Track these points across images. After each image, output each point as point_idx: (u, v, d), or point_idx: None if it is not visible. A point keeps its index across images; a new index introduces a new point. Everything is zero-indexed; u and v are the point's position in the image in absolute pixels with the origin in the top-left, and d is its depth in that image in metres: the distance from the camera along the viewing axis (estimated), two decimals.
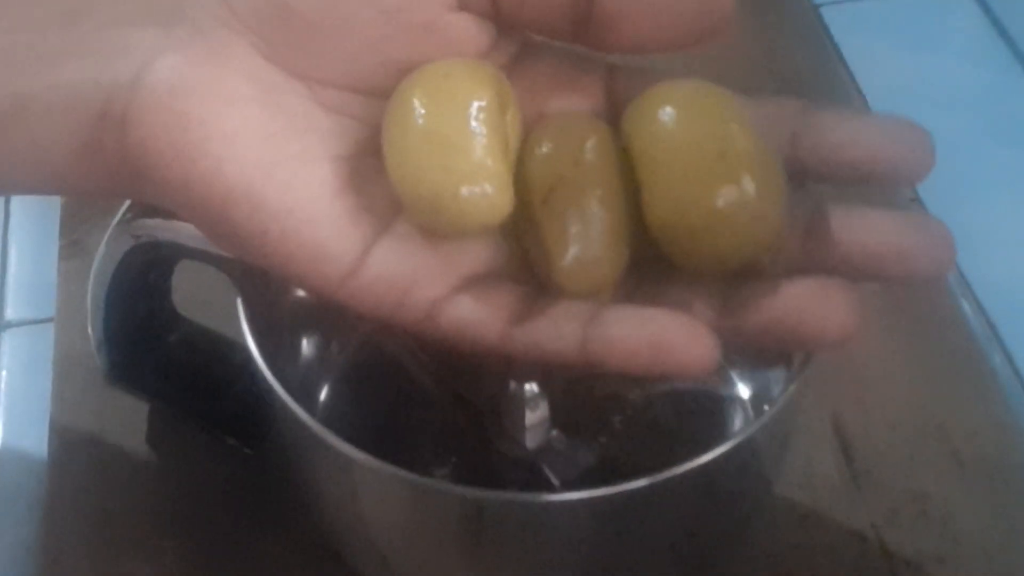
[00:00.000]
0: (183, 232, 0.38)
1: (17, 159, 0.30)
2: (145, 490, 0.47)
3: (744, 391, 0.44)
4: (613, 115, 0.30)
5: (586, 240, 0.28)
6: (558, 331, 0.27)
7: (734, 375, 0.44)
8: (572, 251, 0.28)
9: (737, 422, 0.44)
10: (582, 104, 0.30)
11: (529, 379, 0.38)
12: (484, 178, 0.27)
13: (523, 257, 0.29)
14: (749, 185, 0.26)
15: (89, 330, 0.44)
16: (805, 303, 0.26)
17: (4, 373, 0.54)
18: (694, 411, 0.44)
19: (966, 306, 0.53)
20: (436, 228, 0.28)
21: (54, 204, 0.58)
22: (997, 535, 0.45)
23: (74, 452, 0.48)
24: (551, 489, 0.38)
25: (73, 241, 0.56)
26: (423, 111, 0.27)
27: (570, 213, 0.28)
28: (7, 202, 0.61)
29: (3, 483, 0.50)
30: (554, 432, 0.39)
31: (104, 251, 0.40)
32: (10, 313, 0.56)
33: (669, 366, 0.26)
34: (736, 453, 0.32)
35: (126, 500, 0.47)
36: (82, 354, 0.47)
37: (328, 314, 0.45)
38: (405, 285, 0.28)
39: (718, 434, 0.44)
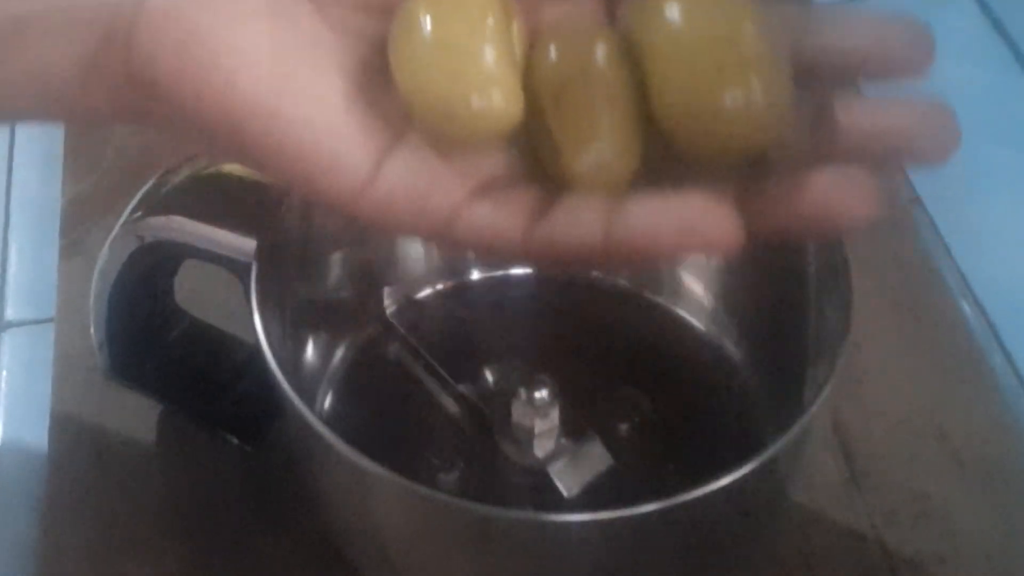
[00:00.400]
0: (189, 232, 0.38)
1: (19, 81, 0.29)
2: (145, 490, 0.47)
3: (755, 403, 0.44)
4: (615, 21, 0.30)
5: (600, 137, 0.28)
6: (580, 222, 0.27)
7: (749, 385, 0.45)
8: (587, 148, 0.28)
9: (746, 434, 0.44)
10: (580, 12, 0.30)
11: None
12: (495, 86, 0.27)
13: (535, 162, 0.29)
14: (758, 73, 0.26)
15: (91, 329, 0.44)
16: (832, 189, 0.26)
17: (4, 373, 0.54)
18: (704, 421, 0.44)
19: (966, 306, 0.53)
20: (447, 138, 0.28)
21: (54, 204, 0.58)
22: (997, 535, 0.45)
23: (74, 452, 0.48)
24: (559, 497, 0.38)
25: (73, 241, 0.56)
26: (432, 22, 0.27)
27: (583, 112, 0.28)
28: (7, 202, 0.61)
29: (3, 483, 0.50)
30: (563, 440, 0.39)
31: (108, 251, 0.40)
32: (10, 313, 0.56)
33: (696, 246, 0.26)
34: (750, 476, 0.32)
35: (126, 500, 0.47)
36: (82, 354, 0.47)
37: (336, 315, 0.45)
38: (423, 194, 0.28)
39: (728, 446, 0.43)
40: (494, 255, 0.28)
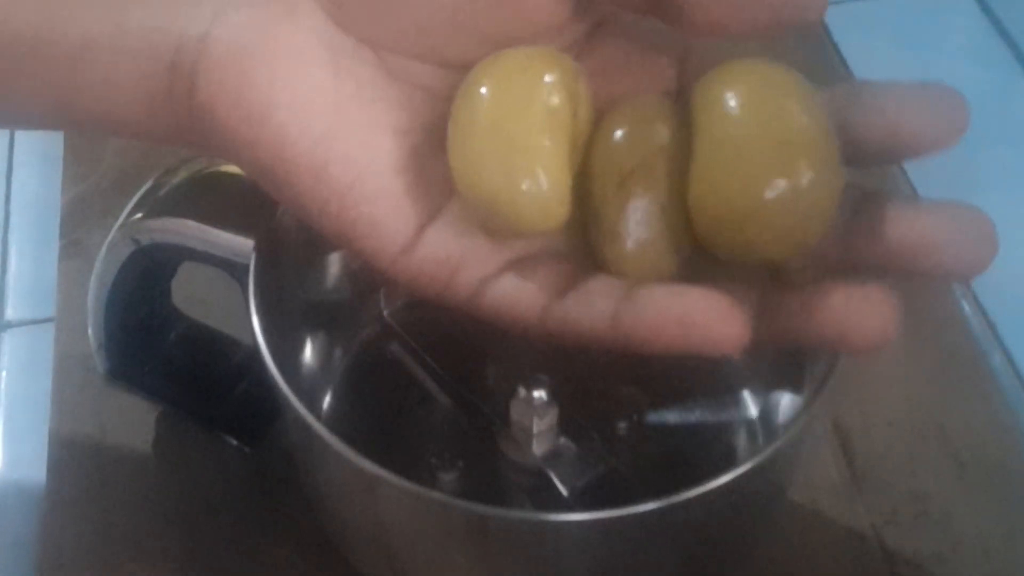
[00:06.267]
0: (186, 234, 0.38)
1: (86, 101, 0.30)
2: (145, 490, 0.47)
3: (753, 401, 0.44)
4: (685, 96, 0.29)
5: (655, 227, 0.27)
6: (591, 306, 0.27)
7: (745, 384, 0.45)
8: (639, 236, 0.27)
9: (745, 432, 0.44)
10: (653, 85, 0.29)
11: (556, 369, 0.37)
12: (544, 186, 0.26)
13: (576, 239, 0.29)
14: (806, 179, 0.25)
15: (89, 331, 0.44)
16: (851, 311, 0.25)
17: (4, 373, 0.54)
18: (703, 420, 0.44)
19: (966, 306, 0.53)
20: (489, 227, 0.28)
21: (54, 204, 0.58)
22: (997, 535, 0.45)
23: (74, 452, 0.48)
24: (558, 496, 0.38)
25: (73, 241, 0.56)
26: (494, 105, 0.27)
27: (645, 199, 0.27)
28: (7, 202, 0.61)
29: (3, 483, 0.50)
30: (562, 439, 0.39)
31: (105, 254, 0.40)
32: (10, 313, 0.56)
33: (697, 342, 0.25)
34: (749, 474, 0.32)
35: (126, 500, 0.47)
36: (82, 354, 0.47)
37: (335, 316, 0.45)
38: (455, 265, 0.28)
39: (727, 445, 0.44)
40: (513, 329, 0.28)
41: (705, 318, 0.25)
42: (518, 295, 0.28)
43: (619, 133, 0.28)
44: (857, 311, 0.25)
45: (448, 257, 0.28)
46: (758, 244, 0.26)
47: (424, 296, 0.29)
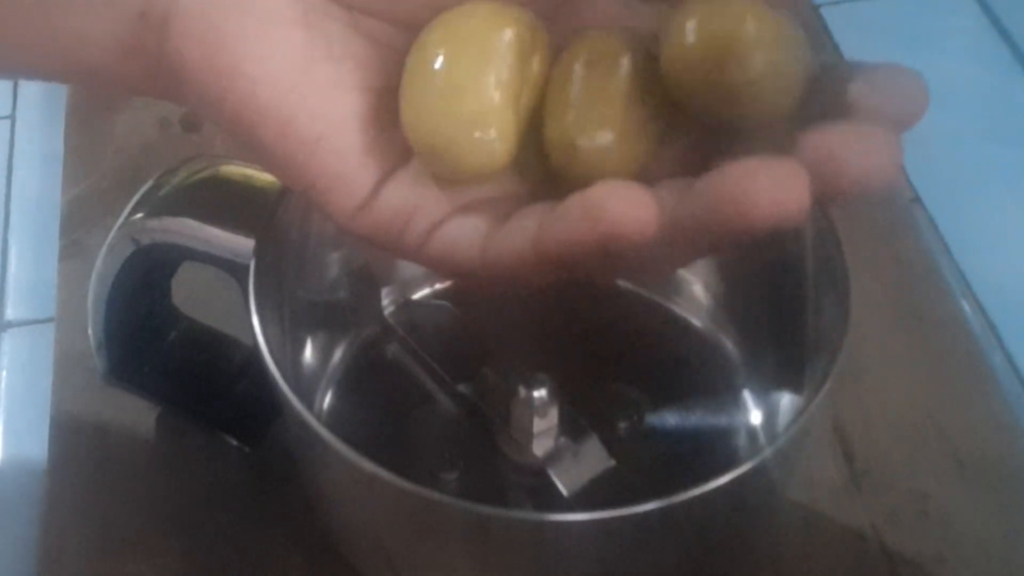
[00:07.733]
0: (186, 234, 0.38)
1: (57, 48, 0.30)
2: (145, 490, 0.47)
3: (753, 401, 0.44)
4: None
5: (610, 128, 0.27)
6: (521, 231, 0.27)
7: (748, 384, 0.45)
8: (596, 135, 0.27)
9: (744, 432, 0.44)
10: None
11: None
12: (489, 127, 0.27)
13: (532, 183, 0.29)
14: (777, 45, 0.26)
15: (89, 331, 0.44)
16: (849, 142, 0.24)
17: (4, 373, 0.54)
18: (703, 420, 0.44)
19: (966, 306, 0.53)
20: (437, 172, 0.28)
21: (54, 204, 0.58)
22: (997, 535, 0.45)
23: (74, 452, 0.48)
24: (558, 496, 0.38)
25: (73, 241, 0.56)
26: (439, 54, 0.27)
27: (598, 107, 0.28)
28: (7, 202, 0.61)
29: (3, 483, 0.50)
30: (562, 439, 0.39)
31: (106, 254, 0.40)
32: (10, 313, 0.56)
33: (607, 232, 0.24)
34: (750, 474, 0.32)
35: (126, 500, 0.47)
36: (82, 354, 0.47)
37: (335, 316, 0.45)
38: (408, 215, 0.28)
39: (727, 445, 0.44)
40: (456, 273, 0.29)
41: (613, 205, 0.24)
42: (460, 235, 0.28)
43: (577, 58, 0.28)
44: (861, 143, 0.24)
45: (404, 207, 0.28)
46: (734, 92, 0.26)
47: (383, 249, 0.29)
